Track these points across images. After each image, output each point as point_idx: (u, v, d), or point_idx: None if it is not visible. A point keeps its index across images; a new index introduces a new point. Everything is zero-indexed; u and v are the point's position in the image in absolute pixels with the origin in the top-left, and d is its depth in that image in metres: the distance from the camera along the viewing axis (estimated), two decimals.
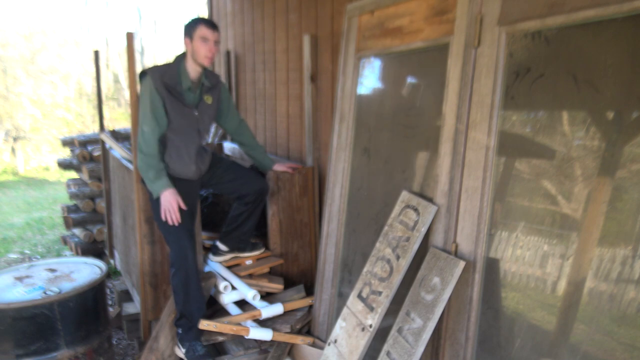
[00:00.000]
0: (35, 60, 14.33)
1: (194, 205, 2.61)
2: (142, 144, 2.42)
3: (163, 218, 2.41)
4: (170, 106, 2.44)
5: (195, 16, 2.51)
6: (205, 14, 5.78)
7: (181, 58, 2.49)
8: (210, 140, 4.49)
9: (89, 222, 5.17)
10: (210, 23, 2.46)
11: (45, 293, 2.69)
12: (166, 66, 2.48)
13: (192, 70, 2.48)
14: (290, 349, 2.54)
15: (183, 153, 2.50)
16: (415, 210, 1.91)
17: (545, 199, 1.52)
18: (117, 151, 3.71)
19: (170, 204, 2.39)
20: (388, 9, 2.21)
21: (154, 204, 2.52)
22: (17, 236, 6.68)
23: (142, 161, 2.43)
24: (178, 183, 2.50)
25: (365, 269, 2.05)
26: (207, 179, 2.72)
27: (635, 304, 1.27)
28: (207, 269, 2.86)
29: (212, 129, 4.51)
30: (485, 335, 1.68)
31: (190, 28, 2.44)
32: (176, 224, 2.42)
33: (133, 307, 3.31)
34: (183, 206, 2.42)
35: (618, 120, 1.36)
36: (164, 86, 2.41)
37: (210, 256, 2.89)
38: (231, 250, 2.85)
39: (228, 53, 4.61)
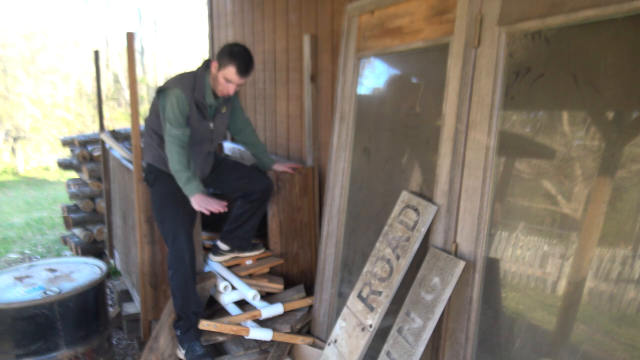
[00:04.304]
0: (35, 60, 14.32)
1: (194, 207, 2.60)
2: (179, 146, 2.37)
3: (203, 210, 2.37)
4: (193, 119, 2.45)
5: (236, 47, 2.40)
6: (205, 14, 5.76)
7: (205, 69, 2.46)
8: None
9: (89, 222, 5.17)
10: (242, 68, 2.36)
11: (45, 293, 2.69)
12: (193, 80, 2.43)
13: (213, 85, 2.47)
14: (290, 349, 2.54)
15: (190, 160, 2.51)
16: (415, 210, 1.91)
17: (545, 199, 1.52)
18: (117, 151, 3.71)
19: (207, 203, 2.36)
20: (388, 9, 2.21)
21: (155, 203, 2.52)
22: (17, 236, 6.68)
23: (179, 163, 2.37)
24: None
25: (365, 269, 2.05)
26: (212, 180, 2.72)
27: (635, 304, 1.27)
28: (207, 268, 2.86)
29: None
30: (485, 335, 1.68)
31: (224, 59, 2.37)
32: (222, 209, 2.37)
33: (133, 307, 3.31)
34: (215, 202, 2.38)
35: (618, 120, 1.36)
36: (194, 102, 2.41)
37: (211, 256, 2.89)
38: (231, 250, 2.86)
39: None
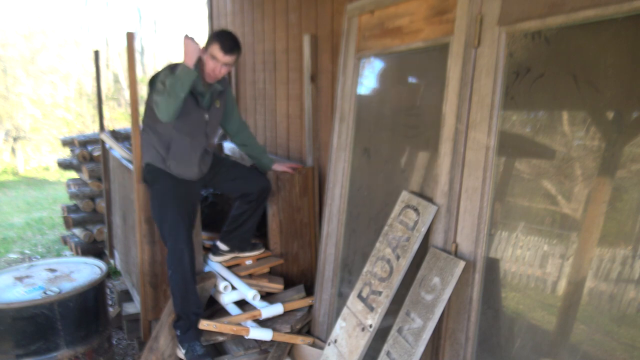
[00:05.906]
0: (35, 60, 14.32)
1: (194, 206, 2.61)
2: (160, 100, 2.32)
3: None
4: (186, 104, 2.42)
5: (221, 30, 2.46)
6: (205, 14, 5.76)
7: (197, 62, 2.45)
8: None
9: (89, 222, 5.16)
10: (226, 45, 2.37)
11: (45, 293, 2.69)
12: None
13: (203, 71, 2.46)
14: (290, 349, 2.54)
15: (187, 155, 2.50)
16: (415, 210, 1.91)
17: (545, 199, 1.52)
18: (117, 151, 3.71)
19: (194, 48, 2.30)
20: (388, 9, 2.21)
21: (154, 203, 2.52)
22: (17, 236, 6.67)
23: (161, 98, 2.30)
24: (179, 183, 2.50)
25: (365, 269, 2.05)
26: (210, 179, 2.72)
27: (635, 304, 1.27)
28: (207, 269, 2.86)
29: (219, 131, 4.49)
30: (485, 335, 1.68)
31: (209, 40, 2.41)
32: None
33: (133, 307, 3.31)
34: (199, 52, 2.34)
35: (618, 120, 1.36)
36: None
37: (210, 256, 2.89)
38: (231, 250, 2.86)
39: None
